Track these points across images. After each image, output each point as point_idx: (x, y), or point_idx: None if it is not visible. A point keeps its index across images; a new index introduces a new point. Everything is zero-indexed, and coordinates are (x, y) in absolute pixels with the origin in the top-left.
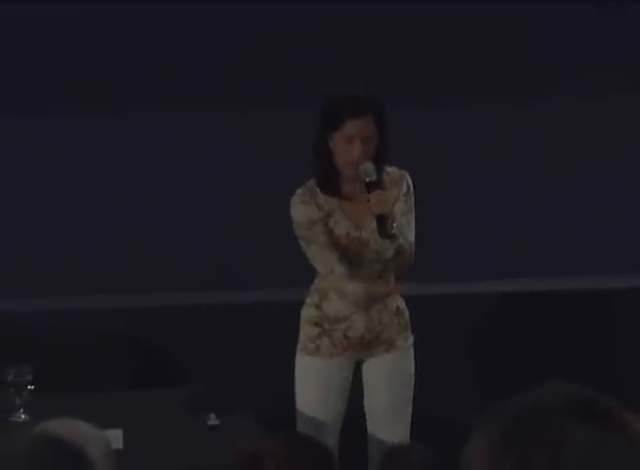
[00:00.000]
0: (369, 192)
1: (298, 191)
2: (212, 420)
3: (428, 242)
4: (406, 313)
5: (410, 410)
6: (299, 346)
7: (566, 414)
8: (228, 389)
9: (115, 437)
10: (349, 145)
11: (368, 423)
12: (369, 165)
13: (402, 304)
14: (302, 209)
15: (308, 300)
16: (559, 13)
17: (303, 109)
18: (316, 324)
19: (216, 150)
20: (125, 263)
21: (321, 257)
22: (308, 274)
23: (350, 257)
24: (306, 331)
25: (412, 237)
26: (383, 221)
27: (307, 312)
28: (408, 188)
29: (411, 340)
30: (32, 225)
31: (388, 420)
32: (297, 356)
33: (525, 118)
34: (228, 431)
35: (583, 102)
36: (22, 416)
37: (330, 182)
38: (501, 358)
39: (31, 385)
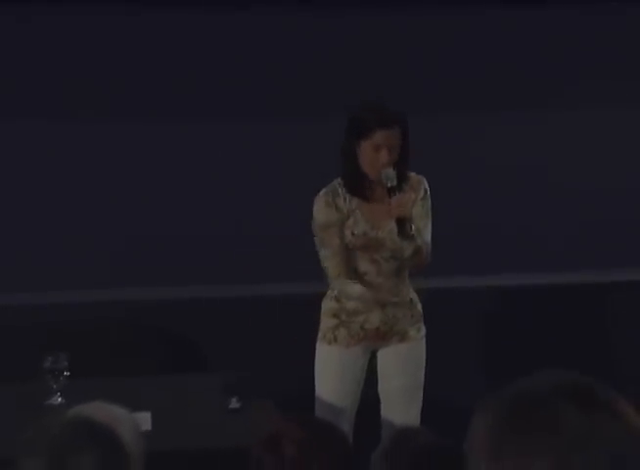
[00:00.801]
0: (390, 196)
1: (322, 191)
2: (234, 404)
3: (441, 239)
4: (419, 306)
5: (421, 396)
6: (320, 335)
7: (563, 400)
8: (249, 375)
9: (144, 419)
10: (376, 153)
11: (382, 408)
12: (391, 171)
13: (415, 297)
14: (323, 209)
15: (329, 293)
16: (558, 21)
17: (316, 116)
18: (335, 316)
19: (238, 153)
20: (155, 259)
21: (330, 261)
22: None
23: (362, 258)
24: (326, 322)
25: (429, 238)
26: (402, 223)
27: (327, 305)
28: (425, 192)
29: (423, 331)
30: (66, 225)
31: (401, 405)
32: (317, 345)
33: (524, 123)
34: (248, 414)
35: (580, 108)
36: (59, 400)
37: (355, 184)
38: (505, 349)
39: (67, 371)
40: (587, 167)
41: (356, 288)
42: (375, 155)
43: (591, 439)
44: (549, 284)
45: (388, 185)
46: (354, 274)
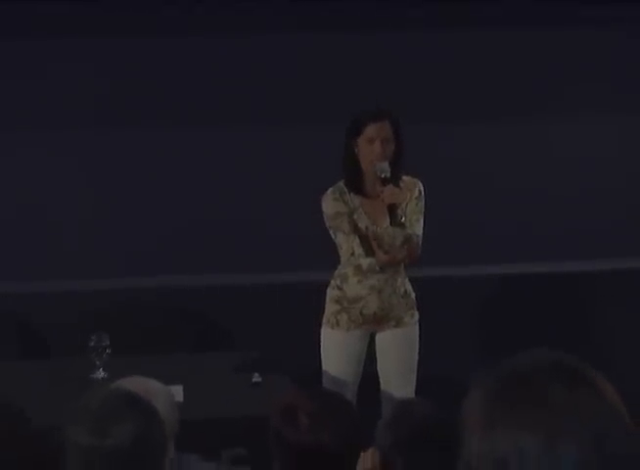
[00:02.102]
0: (384, 186)
1: (329, 190)
2: (256, 378)
3: (437, 234)
4: (412, 295)
5: (415, 374)
6: (324, 319)
7: (550, 377)
8: (269, 353)
9: (177, 391)
10: (371, 145)
11: (381, 384)
12: (384, 164)
13: (409, 287)
14: (332, 203)
15: (332, 282)
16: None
17: (328, 124)
18: (337, 302)
19: (265, 160)
20: (186, 250)
21: (344, 242)
22: (333, 261)
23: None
24: (330, 307)
25: (420, 231)
26: (394, 211)
27: (331, 292)
28: (420, 193)
29: (416, 317)
30: (107, 222)
31: (397, 382)
32: (322, 328)
33: (519, 128)
34: (268, 387)
35: (579, 117)
36: (102, 374)
37: (355, 182)
38: (494, 331)
39: (109, 349)
40: (573, 168)
41: (368, 261)
42: (370, 147)
43: (575, 413)
44: (533, 273)
45: (382, 176)
46: (365, 253)
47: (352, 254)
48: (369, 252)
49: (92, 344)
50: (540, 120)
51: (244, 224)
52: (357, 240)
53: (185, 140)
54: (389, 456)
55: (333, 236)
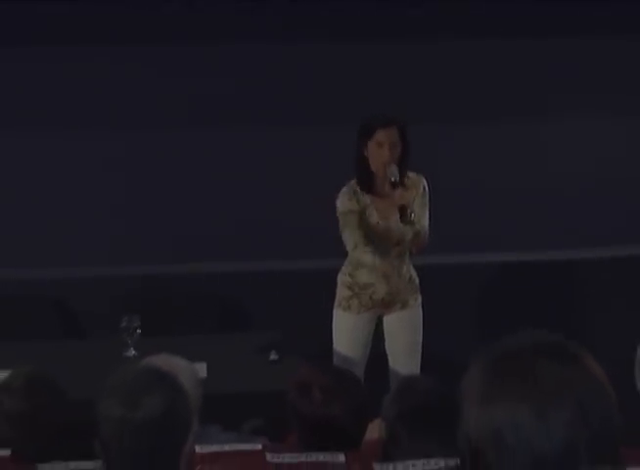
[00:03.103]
0: (393, 189)
1: (343, 189)
2: (273, 356)
3: (438, 223)
4: (416, 280)
5: (420, 352)
6: (336, 303)
7: (541, 355)
8: (285, 334)
9: (201, 368)
10: (380, 149)
11: (389, 361)
12: (394, 168)
13: (414, 272)
14: (345, 201)
15: (344, 268)
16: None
17: (345, 127)
18: (349, 288)
19: (283, 160)
20: (215, 239)
21: (349, 237)
22: (344, 250)
23: (374, 240)
24: (341, 292)
25: (426, 224)
26: (404, 211)
27: (342, 278)
28: (424, 189)
29: (419, 300)
30: (145, 209)
31: (404, 360)
32: (334, 310)
33: (518, 127)
34: (284, 364)
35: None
36: (133, 353)
37: (366, 182)
38: (490, 313)
39: (139, 329)
40: (569, 165)
41: (369, 258)
42: (379, 151)
43: (564, 386)
44: (529, 261)
45: (392, 180)
46: (369, 248)
47: (356, 246)
48: (372, 245)
49: (124, 325)
50: (538, 120)
51: (263, 216)
52: (363, 235)
53: (219, 140)
54: (394, 427)
55: (341, 229)
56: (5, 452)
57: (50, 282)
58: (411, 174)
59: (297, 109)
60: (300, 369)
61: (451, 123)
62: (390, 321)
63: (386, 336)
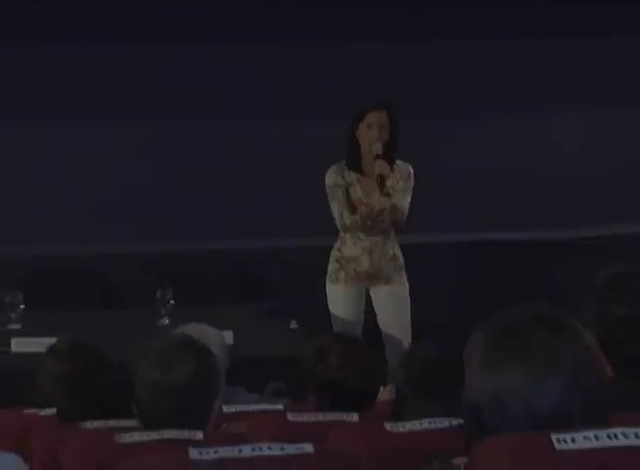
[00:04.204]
0: (375, 160)
1: (333, 166)
2: (293, 325)
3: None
4: (400, 258)
5: (409, 322)
6: (327, 276)
7: (537, 324)
8: (304, 305)
9: (228, 336)
10: (369, 130)
11: (382, 334)
12: (378, 144)
13: (398, 251)
14: (332, 176)
15: (334, 245)
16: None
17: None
18: (337, 261)
19: (283, 146)
20: (242, 221)
21: (336, 208)
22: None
23: (359, 217)
24: (331, 266)
25: (405, 204)
26: (382, 182)
27: (333, 253)
28: (409, 175)
29: (404, 277)
30: (178, 192)
31: (395, 331)
32: (327, 283)
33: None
34: (303, 332)
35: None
36: (166, 322)
37: (354, 161)
38: (471, 289)
39: (172, 300)
40: (557, 154)
41: (351, 217)
42: (368, 131)
43: (558, 354)
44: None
45: (375, 153)
46: (355, 221)
47: (342, 215)
48: (354, 212)
49: (158, 296)
50: (535, 113)
51: (284, 199)
52: (347, 206)
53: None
54: (403, 390)
55: (329, 201)
56: (51, 411)
57: (93, 258)
58: (399, 162)
59: (313, 103)
60: (318, 337)
61: (449, 116)
62: (378, 297)
63: (376, 311)
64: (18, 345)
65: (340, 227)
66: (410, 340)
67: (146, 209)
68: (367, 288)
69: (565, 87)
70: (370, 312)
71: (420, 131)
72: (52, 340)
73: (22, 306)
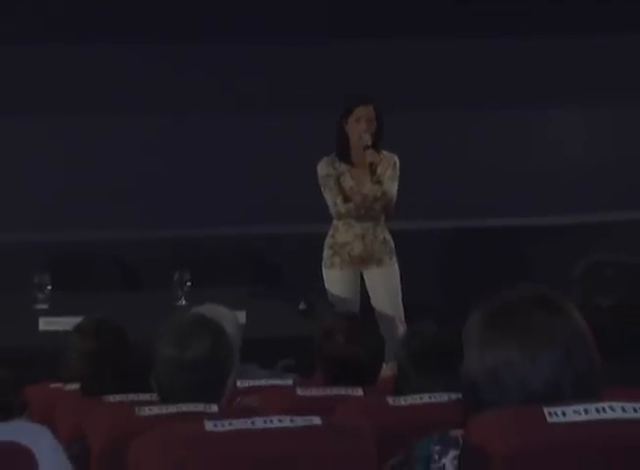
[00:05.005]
0: (365, 150)
1: (324, 158)
2: (302, 306)
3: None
4: (391, 242)
5: (400, 301)
6: (323, 263)
7: (531, 305)
8: (312, 287)
9: (241, 316)
10: (358, 123)
11: (375, 313)
12: (367, 136)
13: (388, 236)
14: (324, 166)
15: (329, 232)
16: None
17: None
18: (330, 247)
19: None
20: (255, 208)
21: (330, 197)
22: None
23: (351, 204)
24: (326, 253)
25: (394, 191)
26: (372, 169)
27: (327, 240)
28: (395, 164)
29: (394, 259)
30: (196, 180)
31: (387, 311)
32: (323, 269)
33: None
34: (311, 313)
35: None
36: (183, 302)
37: (344, 153)
38: (456, 270)
39: (189, 282)
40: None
41: (346, 205)
42: (357, 125)
43: (552, 334)
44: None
45: (365, 144)
46: (348, 208)
47: (335, 204)
48: (347, 200)
49: (176, 279)
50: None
51: (296, 187)
52: (340, 194)
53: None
54: (405, 367)
55: (322, 191)
56: (75, 386)
57: (115, 243)
58: (385, 152)
59: (315, 98)
60: (325, 317)
61: (452, 111)
62: (370, 279)
63: (369, 293)
64: (45, 324)
65: (334, 215)
66: (403, 318)
67: (165, 197)
68: (361, 271)
69: (565, 84)
70: (364, 294)
71: (423, 127)
72: (77, 319)
73: (50, 288)
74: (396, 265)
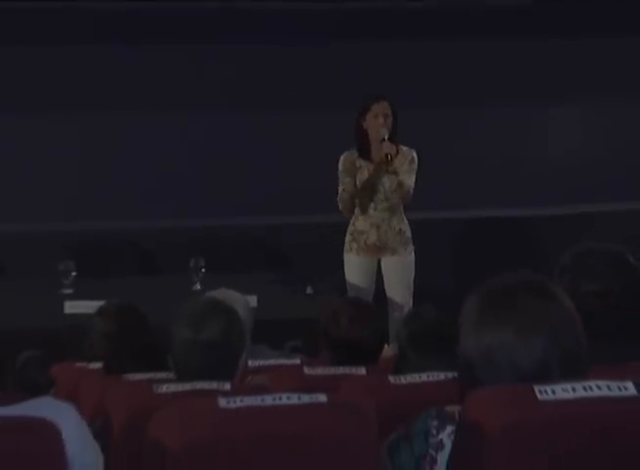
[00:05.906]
0: (381, 143)
1: (345, 152)
2: (309, 290)
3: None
4: (407, 233)
5: (411, 289)
6: (344, 247)
7: (523, 289)
8: (319, 272)
9: (252, 300)
10: (375, 119)
11: (387, 298)
12: (384, 129)
13: (404, 226)
14: (344, 161)
15: (350, 220)
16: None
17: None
18: (351, 234)
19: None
20: (266, 198)
21: (341, 197)
22: None
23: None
24: (347, 238)
25: (411, 183)
26: (388, 160)
27: (349, 227)
28: (413, 158)
29: (410, 249)
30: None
31: (399, 296)
32: (344, 253)
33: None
34: (318, 297)
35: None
36: (198, 287)
37: (364, 149)
38: (472, 259)
39: (203, 269)
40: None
41: (364, 209)
42: (375, 121)
43: (542, 316)
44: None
45: (382, 138)
46: (358, 210)
47: (344, 192)
48: (363, 197)
49: (191, 265)
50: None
51: (304, 180)
52: (356, 186)
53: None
54: (405, 348)
55: (340, 181)
56: (98, 365)
57: (135, 231)
58: (404, 147)
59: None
60: (331, 301)
61: (459, 108)
62: (385, 266)
63: (384, 280)
64: (70, 307)
65: (339, 204)
66: (411, 302)
67: (182, 189)
68: (378, 260)
69: (565, 83)
70: (380, 283)
71: (428, 124)
72: (99, 303)
73: (74, 274)
74: (412, 256)
